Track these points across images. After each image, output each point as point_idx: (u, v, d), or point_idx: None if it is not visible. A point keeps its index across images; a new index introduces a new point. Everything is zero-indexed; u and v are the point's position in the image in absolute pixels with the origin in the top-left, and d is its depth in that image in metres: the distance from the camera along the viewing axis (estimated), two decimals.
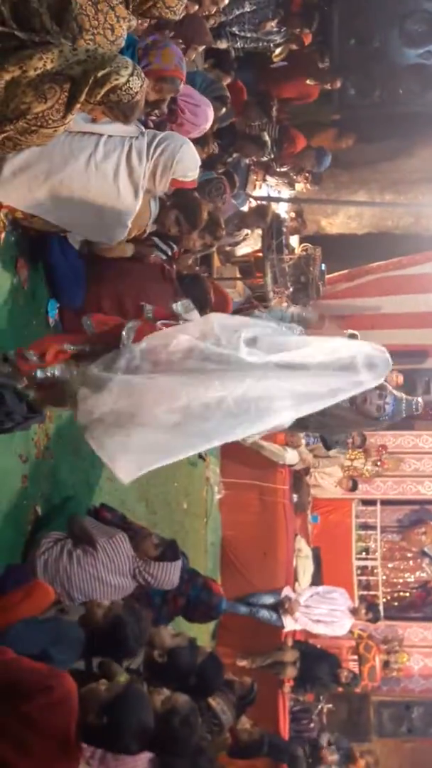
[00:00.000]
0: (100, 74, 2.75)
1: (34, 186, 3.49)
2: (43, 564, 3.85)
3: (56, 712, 2.62)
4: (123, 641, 3.38)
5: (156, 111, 4.34)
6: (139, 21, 3.81)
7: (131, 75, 2.88)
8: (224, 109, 5.94)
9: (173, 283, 4.59)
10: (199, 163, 3.81)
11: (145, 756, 3.03)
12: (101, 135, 3.55)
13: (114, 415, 3.14)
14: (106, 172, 3.51)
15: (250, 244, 7.94)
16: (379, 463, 10.14)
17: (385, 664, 9.43)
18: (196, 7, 5.20)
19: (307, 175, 8.00)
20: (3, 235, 3.66)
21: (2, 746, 2.53)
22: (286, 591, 7.99)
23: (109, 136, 3.56)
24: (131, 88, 2.90)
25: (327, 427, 6.64)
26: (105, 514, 4.62)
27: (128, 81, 2.87)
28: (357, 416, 6.49)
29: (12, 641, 3.02)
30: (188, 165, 3.78)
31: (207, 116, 5.05)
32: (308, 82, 7.76)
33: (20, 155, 3.37)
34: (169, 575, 4.24)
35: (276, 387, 3.17)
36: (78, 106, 2.88)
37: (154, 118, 4.38)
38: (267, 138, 6.98)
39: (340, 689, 8.47)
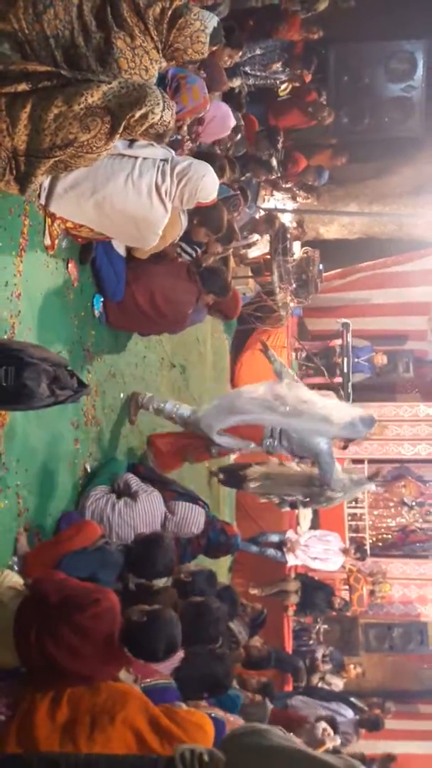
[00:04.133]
0: (138, 115, 2.70)
1: (81, 201, 3.45)
2: (90, 512, 3.87)
3: (103, 620, 2.62)
4: (154, 560, 3.39)
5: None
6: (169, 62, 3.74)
7: (163, 110, 2.83)
8: (239, 136, 5.87)
9: (197, 283, 4.56)
10: (218, 185, 3.74)
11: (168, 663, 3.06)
12: (137, 158, 3.50)
13: None
14: (141, 189, 3.46)
15: (260, 248, 7.88)
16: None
17: (371, 593, 9.45)
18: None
19: (307, 188, 7.93)
20: (56, 241, 3.63)
21: (60, 652, 2.55)
22: (289, 533, 8.00)
23: (144, 158, 3.50)
24: (165, 121, 2.86)
25: None
26: (140, 469, 4.62)
27: (162, 116, 2.83)
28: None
29: (66, 567, 3.05)
30: (209, 191, 3.71)
31: (228, 121, 5.04)
32: (309, 110, 7.67)
33: (70, 175, 3.33)
34: (193, 516, 4.19)
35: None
36: (118, 136, 2.84)
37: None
38: (274, 163, 6.91)
39: (334, 613, 8.50)
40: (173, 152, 3.62)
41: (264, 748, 1.59)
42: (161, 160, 3.53)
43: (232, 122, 5.27)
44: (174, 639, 2.82)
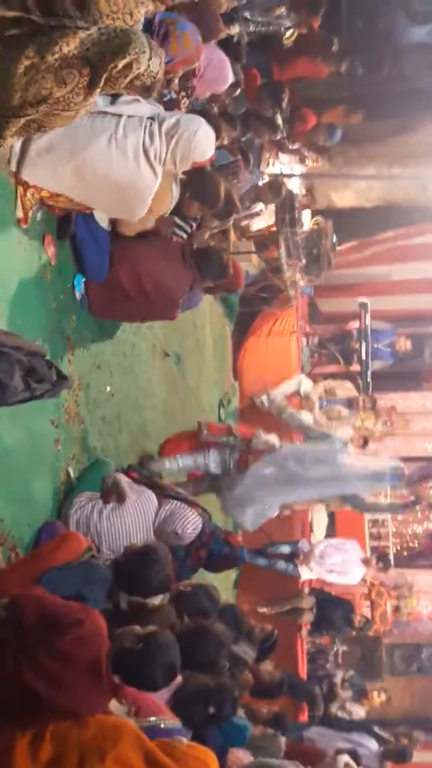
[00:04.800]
0: (121, 65, 2.67)
1: (58, 166, 3.42)
2: (75, 521, 3.87)
3: (87, 645, 2.60)
4: (147, 575, 3.37)
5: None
6: (156, 4, 3.71)
7: (150, 59, 2.80)
8: (238, 91, 5.82)
9: (192, 268, 4.53)
10: (214, 140, 3.72)
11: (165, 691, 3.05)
12: (121, 116, 3.47)
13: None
14: (127, 151, 3.43)
15: (264, 219, 7.84)
16: (388, 423, 10.09)
17: (396, 609, 9.47)
18: None
19: (318, 150, 7.88)
20: (30, 213, 3.61)
21: (39, 682, 2.53)
22: (302, 543, 8.01)
23: (129, 116, 3.47)
24: (152, 71, 2.83)
25: None
26: (133, 475, 4.60)
27: (148, 66, 2.80)
28: None
29: (47, 585, 3.03)
30: (204, 148, 3.70)
31: (224, 69, 4.98)
32: (319, 60, 7.61)
33: (44, 137, 3.30)
34: (183, 517, 4.12)
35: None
36: (98, 90, 2.81)
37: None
38: (279, 121, 6.86)
39: (354, 633, 8.52)
40: (161, 108, 3.59)
41: None
42: (148, 118, 3.51)
43: (229, 71, 5.20)
44: (173, 664, 2.81)
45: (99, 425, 4.66)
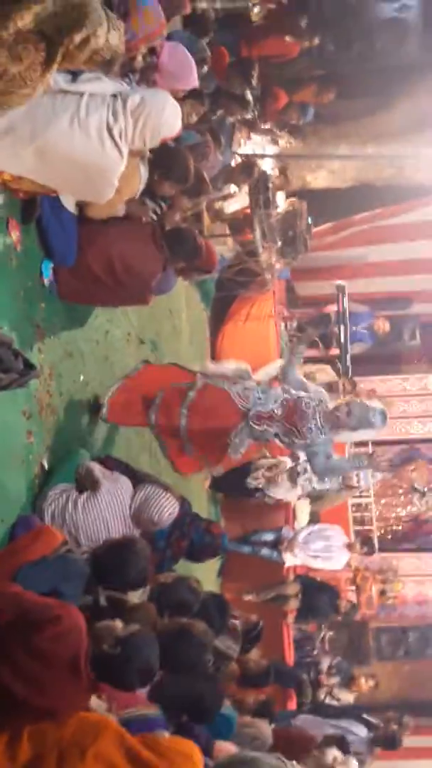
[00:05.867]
0: (78, 39, 2.59)
1: (19, 148, 3.33)
2: (50, 514, 3.80)
3: (65, 642, 2.57)
4: (124, 568, 3.32)
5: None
6: None
7: (108, 32, 2.72)
8: (205, 68, 5.72)
9: (163, 249, 4.45)
10: (180, 113, 3.64)
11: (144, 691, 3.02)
12: (83, 94, 3.38)
13: None
14: (90, 131, 3.35)
15: (238, 201, 7.78)
16: None
17: (382, 593, 9.51)
18: None
19: (290, 129, 7.83)
20: None
21: (16, 682, 2.48)
22: (285, 530, 8.00)
23: (91, 94, 3.38)
24: (111, 45, 2.75)
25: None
26: (110, 465, 4.54)
27: (107, 39, 2.72)
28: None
29: (22, 581, 2.97)
30: (173, 124, 3.63)
31: (189, 65, 4.76)
32: (287, 39, 7.55)
33: (3, 118, 3.21)
34: (158, 502, 4.03)
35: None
36: (56, 66, 2.72)
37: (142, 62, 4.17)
38: (250, 97, 6.79)
39: (340, 618, 8.53)
40: (124, 85, 3.51)
41: None
42: (111, 96, 3.42)
43: (194, 71, 4.86)
44: (151, 666, 2.78)
45: (74, 416, 4.59)
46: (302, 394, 4.76)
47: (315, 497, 8.27)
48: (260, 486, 7.42)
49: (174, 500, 4.09)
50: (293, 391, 4.77)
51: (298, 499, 8.11)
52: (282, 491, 7.73)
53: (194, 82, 4.63)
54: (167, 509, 4.04)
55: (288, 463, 7.40)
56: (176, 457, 4.91)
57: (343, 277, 9.68)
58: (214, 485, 7.67)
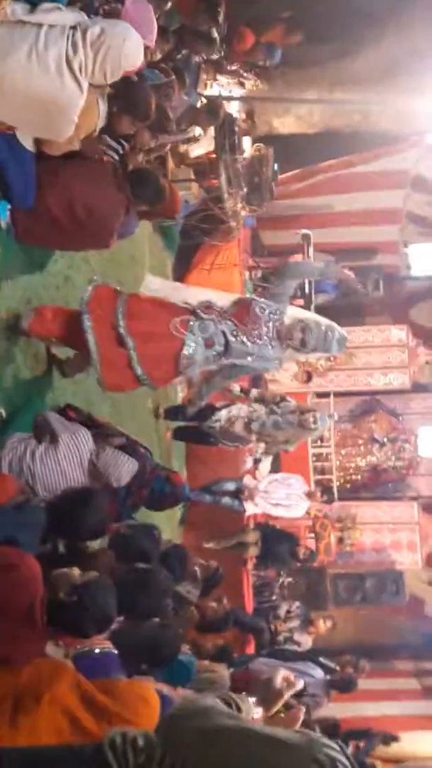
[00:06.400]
0: None
1: None
2: (7, 464, 3.74)
3: (22, 590, 2.55)
4: (81, 518, 3.30)
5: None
6: None
7: None
8: (168, 4, 5.52)
9: (126, 190, 4.32)
10: (142, 45, 3.50)
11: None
12: (42, 25, 3.23)
13: None
14: (49, 64, 3.21)
15: (203, 145, 7.60)
16: (332, 359, 10.14)
17: (340, 541, 9.68)
18: None
19: (257, 71, 7.65)
20: None
21: None
22: (247, 479, 8.06)
23: (50, 26, 3.24)
24: None
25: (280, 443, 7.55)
26: (71, 414, 4.48)
27: None
28: (299, 430, 7.32)
29: None
30: (134, 56, 3.48)
31: (152, 21, 4.50)
32: None
33: None
34: (116, 466, 4.05)
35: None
36: None
37: (106, 7, 3.99)
38: (216, 35, 6.58)
39: (299, 565, 8.67)
40: (84, 16, 3.36)
41: (207, 730, 1.55)
42: (71, 27, 3.28)
43: (154, 27, 4.56)
44: (108, 614, 2.77)
45: (32, 363, 4.50)
46: (259, 299, 4.46)
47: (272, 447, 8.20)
48: (214, 432, 7.26)
49: (131, 461, 4.05)
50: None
51: (260, 459, 8.15)
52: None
53: (152, 42, 4.41)
54: (126, 472, 4.03)
55: (244, 409, 7.32)
56: (108, 369, 4.26)
57: (308, 227, 9.60)
58: (176, 435, 7.65)
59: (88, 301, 4.15)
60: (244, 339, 4.27)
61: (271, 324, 4.33)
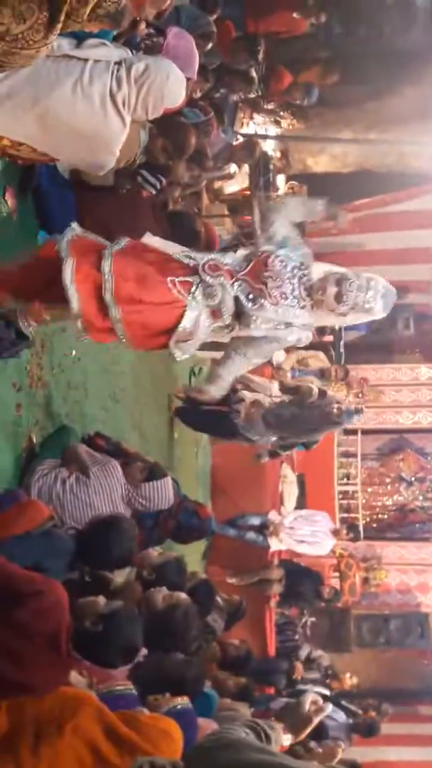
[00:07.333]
0: None
1: (20, 113, 3.26)
2: (37, 490, 3.77)
3: (48, 617, 2.54)
4: (109, 547, 3.30)
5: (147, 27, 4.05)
6: None
7: None
8: (210, 45, 5.63)
9: (162, 223, 4.38)
10: (185, 84, 3.58)
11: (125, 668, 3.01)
12: (87, 60, 3.31)
13: None
14: (93, 98, 3.28)
15: (238, 181, 7.71)
16: (360, 395, 10.10)
17: (365, 581, 9.55)
18: None
19: (293, 110, 7.76)
20: None
21: None
22: (272, 514, 8.01)
23: (96, 61, 3.31)
24: None
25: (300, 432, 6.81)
26: (100, 442, 4.51)
27: None
28: (322, 422, 6.59)
29: (5, 554, 2.94)
30: (176, 94, 3.55)
31: (193, 55, 4.60)
32: (294, 15, 7.46)
33: (5, 81, 3.14)
34: (160, 493, 4.14)
35: None
36: (59, 26, 2.65)
37: (148, 42, 4.10)
38: (254, 74, 6.70)
39: (323, 604, 8.56)
40: (129, 53, 3.44)
41: (235, 764, 1.52)
42: (116, 63, 3.35)
43: (196, 63, 4.64)
44: (133, 645, 2.77)
45: (64, 390, 4.54)
46: (280, 251, 3.46)
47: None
48: (238, 421, 6.44)
49: (169, 480, 4.09)
50: (265, 246, 3.47)
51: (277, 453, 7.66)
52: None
53: (193, 74, 4.48)
54: (168, 495, 4.06)
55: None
56: (93, 318, 3.32)
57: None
58: (180, 414, 6.83)
59: (67, 248, 3.31)
60: (264, 302, 3.36)
61: (296, 280, 3.42)
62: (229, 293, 3.37)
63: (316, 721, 3.75)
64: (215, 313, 3.38)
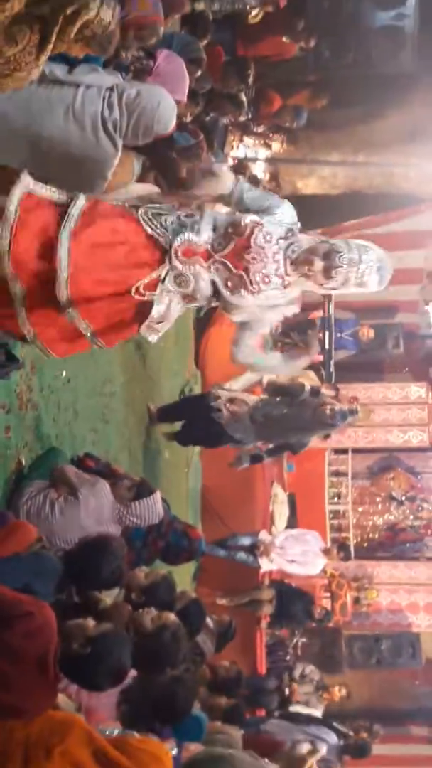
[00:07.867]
0: (69, 11, 2.56)
1: (12, 139, 3.30)
2: (26, 512, 3.76)
3: (36, 639, 2.53)
4: (97, 568, 3.29)
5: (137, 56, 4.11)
6: None
7: (100, 6, 2.69)
8: (200, 71, 5.71)
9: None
10: (176, 109, 3.63)
11: (114, 691, 3.00)
12: (79, 86, 3.36)
13: None
14: (85, 123, 3.33)
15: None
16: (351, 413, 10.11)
17: (356, 601, 9.52)
18: None
19: (283, 133, 7.85)
20: None
21: None
22: (262, 534, 7.99)
23: (87, 86, 3.37)
24: (103, 20, 2.70)
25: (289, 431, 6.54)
26: (89, 463, 4.51)
27: (98, 13, 2.68)
28: (313, 421, 6.39)
29: None
30: (167, 121, 3.61)
31: (183, 77, 4.68)
32: (284, 39, 7.58)
33: None
34: (151, 510, 4.14)
35: None
36: (50, 47, 2.68)
37: (137, 65, 4.16)
38: (244, 98, 6.79)
39: (314, 624, 8.54)
40: (120, 78, 3.49)
41: None
42: (107, 89, 3.40)
43: (186, 85, 4.66)
44: (122, 667, 2.76)
45: (53, 412, 4.55)
46: (262, 220, 3.07)
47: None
48: (222, 421, 6.22)
49: (158, 496, 4.11)
50: (249, 217, 3.05)
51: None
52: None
53: (183, 96, 4.53)
54: (158, 509, 4.07)
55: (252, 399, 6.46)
56: (43, 326, 2.99)
57: None
58: (176, 437, 6.80)
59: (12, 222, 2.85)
60: (243, 292, 3.05)
61: (281, 255, 3.07)
62: (205, 279, 3.04)
63: (310, 762, 3.76)
64: (188, 298, 3.07)
